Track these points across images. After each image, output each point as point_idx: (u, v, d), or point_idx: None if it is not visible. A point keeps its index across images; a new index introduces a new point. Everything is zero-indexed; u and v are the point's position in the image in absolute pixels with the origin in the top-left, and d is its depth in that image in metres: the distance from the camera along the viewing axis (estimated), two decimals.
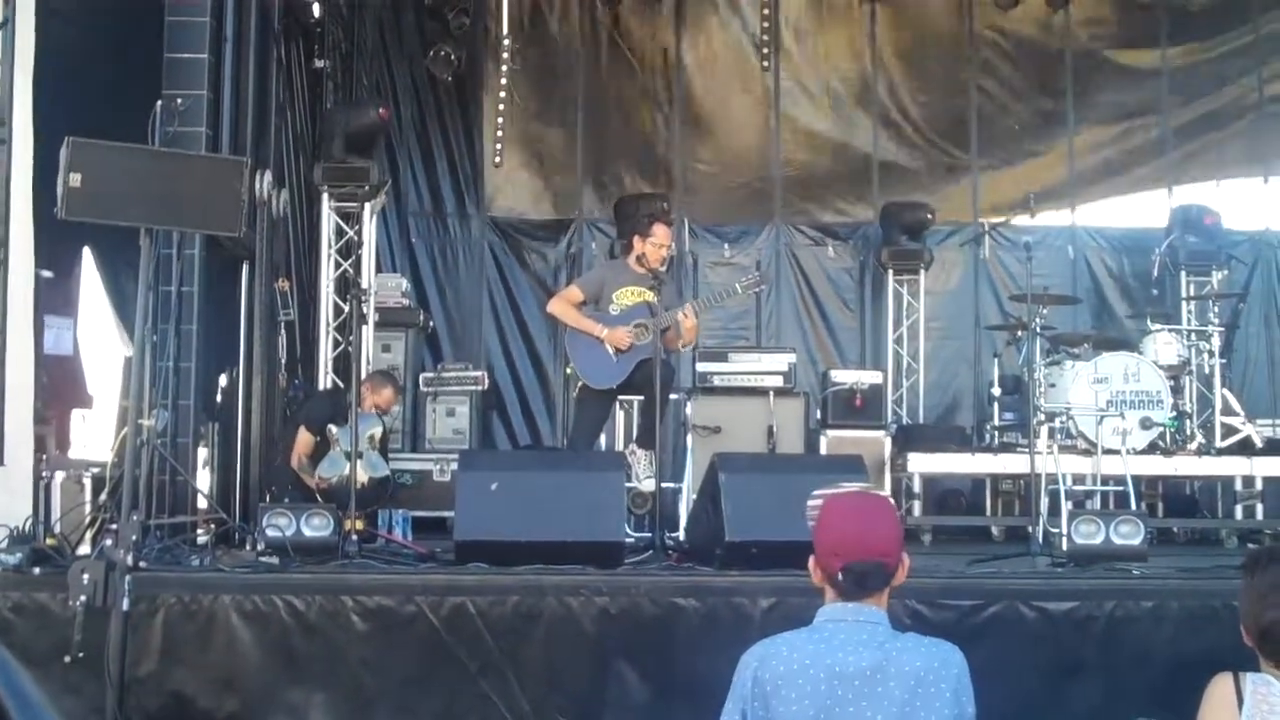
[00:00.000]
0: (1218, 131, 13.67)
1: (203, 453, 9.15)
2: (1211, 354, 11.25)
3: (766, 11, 13.18)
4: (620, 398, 9.40)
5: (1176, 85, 13.62)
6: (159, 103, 8.25)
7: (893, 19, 13.63)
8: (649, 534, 8.02)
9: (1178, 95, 13.61)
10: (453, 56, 12.84)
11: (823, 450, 10.52)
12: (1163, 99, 13.58)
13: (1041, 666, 6.60)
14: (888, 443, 10.74)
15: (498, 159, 13.29)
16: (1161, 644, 6.62)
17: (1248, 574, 4.00)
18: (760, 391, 10.50)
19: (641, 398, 9.11)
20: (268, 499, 9.40)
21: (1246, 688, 3.85)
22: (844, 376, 11.21)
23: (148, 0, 8.80)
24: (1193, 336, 11.19)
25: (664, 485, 8.43)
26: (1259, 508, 10.53)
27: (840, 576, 3.52)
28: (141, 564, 6.61)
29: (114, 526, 6.66)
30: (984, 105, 13.68)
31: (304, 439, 9.58)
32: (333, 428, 9.35)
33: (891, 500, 3.85)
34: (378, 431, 9.67)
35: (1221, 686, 3.89)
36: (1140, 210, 13.68)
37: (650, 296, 8.61)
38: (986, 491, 11.29)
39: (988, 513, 11.20)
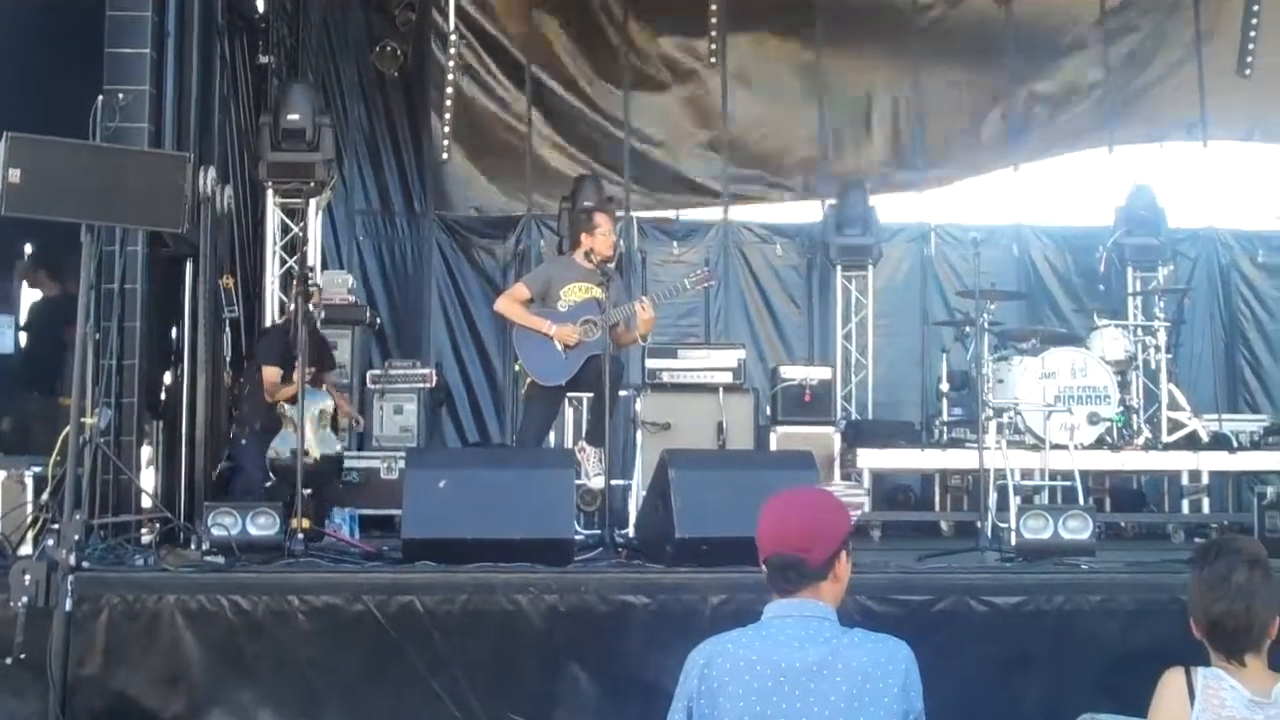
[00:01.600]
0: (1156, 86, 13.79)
1: (147, 451, 9.06)
2: (1158, 349, 11.37)
3: (715, 7, 13.16)
4: (569, 395, 9.37)
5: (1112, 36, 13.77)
6: (100, 98, 8.15)
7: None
8: (599, 531, 7.99)
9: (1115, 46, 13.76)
10: (399, 52, 12.78)
11: (772, 446, 10.50)
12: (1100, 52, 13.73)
13: (991, 661, 6.62)
14: (837, 439, 10.74)
15: (445, 155, 13.23)
16: (1110, 638, 6.65)
17: (1196, 567, 4.00)
18: (710, 388, 10.48)
19: (590, 395, 9.08)
20: (243, 433, 9.42)
21: (1198, 682, 3.85)
22: (793, 373, 11.22)
23: None
24: (1139, 332, 11.29)
25: (613, 482, 8.39)
26: (1205, 502, 10.66)
27: (765, 569, 3.52)
28: (84, 564, 6.53)
29: (56, 526, 6.57)
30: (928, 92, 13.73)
31: (270, 375, 9.51)
32: (285, 406, 9.26)
33: (834, 497, 3.80)
34: (328, 406, 9.58)
35: (1173, 681, 3.89)
36: (1086, 209, 13.72)
37: (599, 293, 8.58)
38: (936, 487, 11.33)
39: (937, 508, 11.24)
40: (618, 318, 8.68)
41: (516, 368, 9.28)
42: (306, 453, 8.62)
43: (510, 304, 9.01)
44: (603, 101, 13.71)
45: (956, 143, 13.86)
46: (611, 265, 9.11)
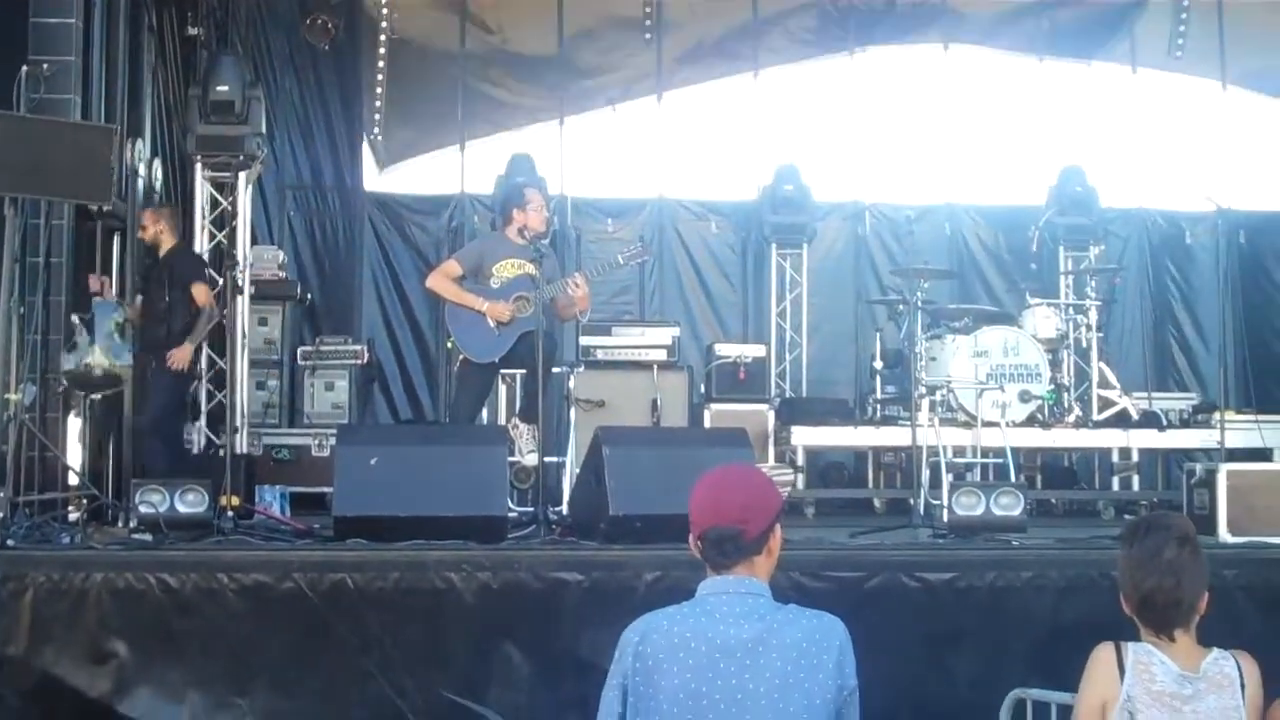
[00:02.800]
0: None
1: (75, 426, 8.94)
2: (1089, 328, 11.47)
3: None
4: (503, 371, 9.33)
5: None
6: (24, 68, 8.01)
7: None
8: (532, 509, 7.95)
9: None
10: (330, 25, 12.61)
11: (706, 424, 10.48)
12: None
13: (923, 637, 6.67)
14: (771, 416, 10.74)
15: (377, 130, 13.11)
16: (1041, 613, 6.71)
17: (1126, 544, 4.03)
18: (644, 365, 10.51)
19: (524, 372, 9.05)
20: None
21: (1128, 657, 3.88)
22: (728, 350, 11.25)
23: None
24: (1070, 311, 11.35)
25: (547, 460, 8.36)
26: (1135, 479, 10.76)
27: (701, 544, 3.51)
28: (9, 542, 6.47)
29: None
30: None
31: (202, 291, 9.37)
32: (75, 317, 8.87)
33: (764, 473, 3.81)
34: (121, 318, 9.14)
35: (1103, 655, 3.92)
36: (1019, 188, 13.79)
37: (532, 269, 8.55)
38: (869, 464, 11.37)
39: (870, 485, 11.29)
40: (551, 294, 8.64)
41: (449, 345, 9.22)
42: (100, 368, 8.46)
43: (442, 280, 8.94)
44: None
45: None
46: (545, 241, 9.07)
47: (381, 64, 12.99)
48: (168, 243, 9.38)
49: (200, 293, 9.31)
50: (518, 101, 13.68)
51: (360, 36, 13.22)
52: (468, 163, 13.39)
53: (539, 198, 9.11)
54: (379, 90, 13.06)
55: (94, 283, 9.12)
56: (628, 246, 9.45)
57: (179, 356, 9.09)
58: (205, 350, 10.33)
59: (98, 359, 8.46)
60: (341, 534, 7.05)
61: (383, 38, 12.91)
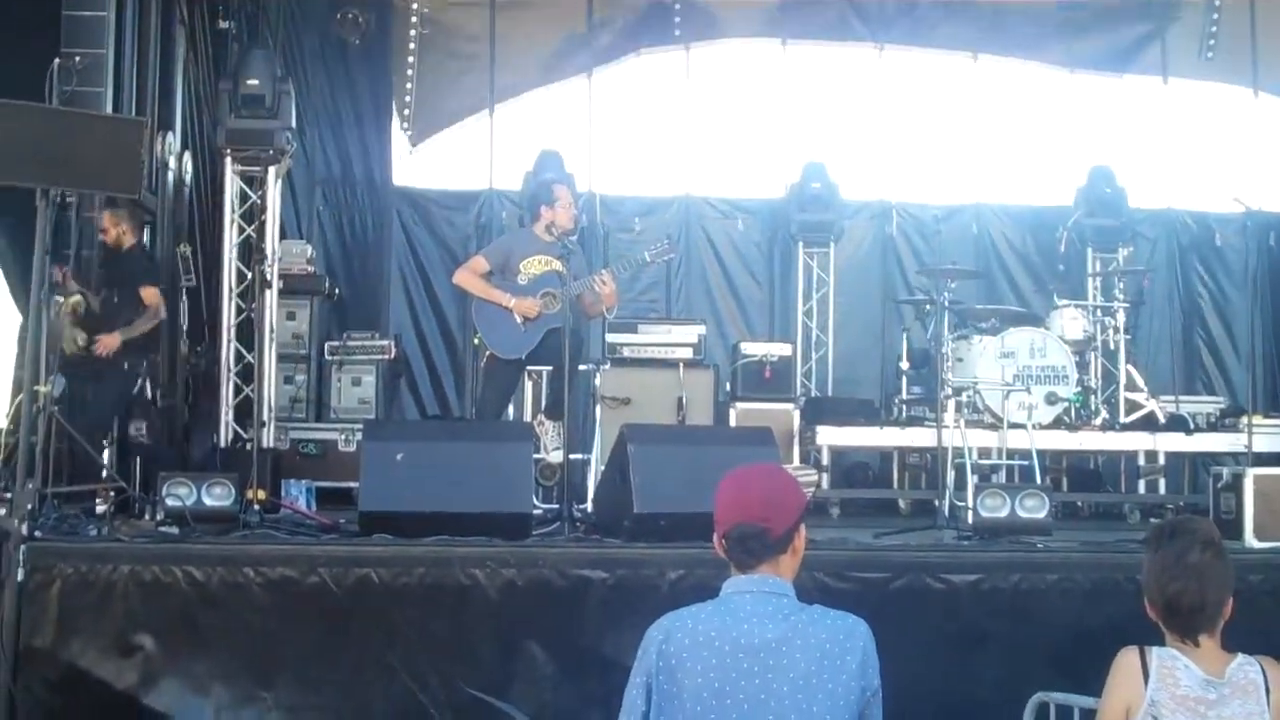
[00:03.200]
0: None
1: None
2: (1117, 330, 11.39)
3: None
4: (529, 368, 9.34)
5: None
6: (56, 61, 8.06)
7: None
8: (557, 506, 7.96)
9: None
10: (360, 19, 12.65)
11: (732, 422, 10.49)
12: None
13: (947, 639, 6.65)
14: (796, 415, 10.74)
15: (406, 125, 13.14)
16: (1066, 617, 6.69)
17: (1151, 548, 4.01)
18: (670, 363, 10.52)
19: (550, 369, 9.06)
20: None
21: (1152, 662, 3.86)
22: (754, 349, 11.23)
23: None
24: (1098, 313, 11.30)
25: (572, 457, 8.36)
26: (1161, 482, 10.71)
27: (725, 542, 3.51)
28: (37, 534, 6.49)
29: (8, 495, 6.51)
30: None
31: (151, 293, 9.27)
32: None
33: (788, 472, 3.82)
34: (77, 302, 9.02)
35: (1128, 660, 3.91)
36: (1046, 188, 13.76)
37: (559, 266, 8.57)
38: (894, 465, 11.36)
39: (895, 485, 11.27)
40: (578, 290, 8.65)
41: (475, 340, 9.25)
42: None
43: (469, 276, 8.98)
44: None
45: None
46: (573, 238, 9.08)
47: (412, 58, 12.99)
48: (128, 243, 9.31)
49: (149, 294, 9.19)
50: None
51: (391, 30, 13.23)
52: (496, 156, 13.40)
53: (568, 194, 9.14)
54: (410, 73, 13.04)
55: (56, 273, 9.13)
56: (654, 244, 9.44)
57: (106, 342, 8.95)
58: (233, 344, 10.39)
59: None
60: (367, 529, 7.07)
61: (413, 31, 12.91)
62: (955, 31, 13.76)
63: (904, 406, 11.30)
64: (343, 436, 10.58)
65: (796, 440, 10.54)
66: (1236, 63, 13.65)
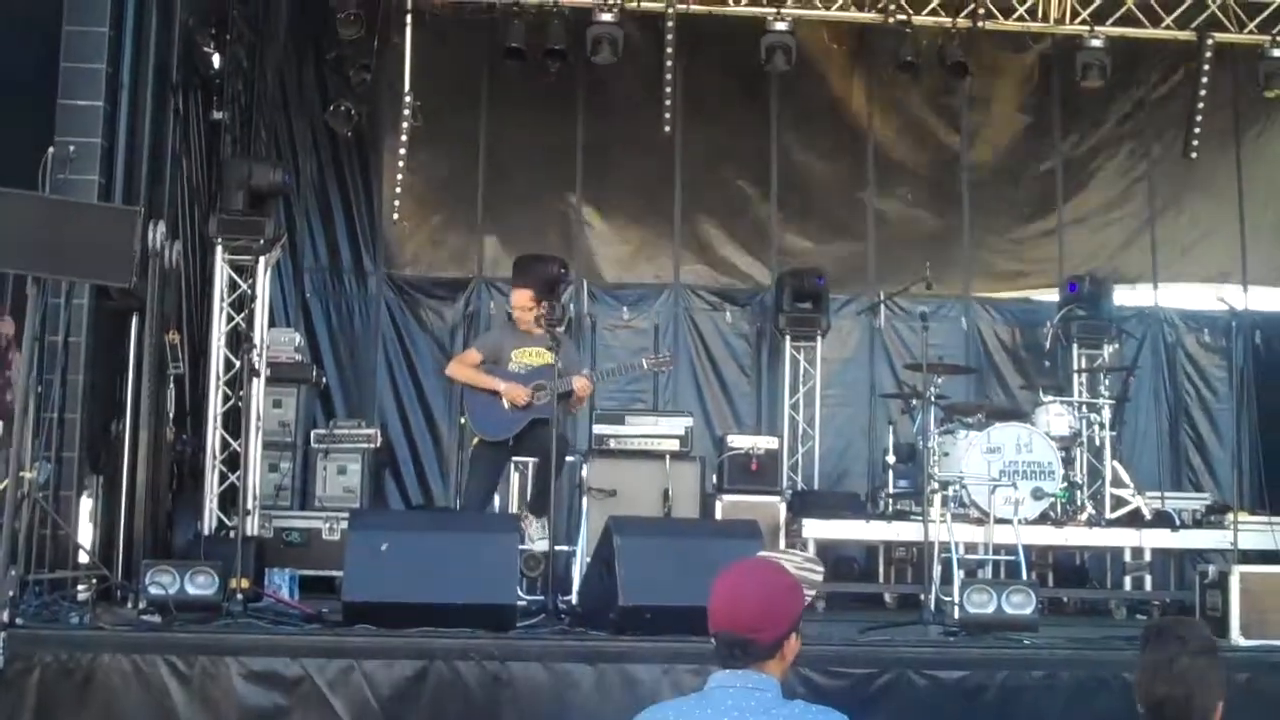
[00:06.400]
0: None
1: (86, 506, 8.94)
2: (1102, 426, 11.44)
3: (670, 77, 13.23)
4: (514, 459, 9.36)
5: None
6: (50, 149, 8.11)
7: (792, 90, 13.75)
8: (542, 597, 7.93)
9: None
10: (353, 112, 12.76)
11: (718, 515, 10.46)
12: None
13: None
14: (783, 508, 10.72)
15: (396, 215, 13.21)
16: (1052, 714, 6.67)
17: (1142, 648, 4.00)
18: (657, 455, 10.50)
19: (535, 460, 9.08)
20: None
21: None
22: (740, 441, 11.23)
23: (41, 45, 8.66)
24: (1084, 408, 11.36)
25: (557, 548, 8.36)
26: (1147, 579, 10.69)
27: (714, 640, 3.49)
28: (18, 621, 6.45)
29: None
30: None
31: None
32: None
33: (790, 575, 3.74)
34: None
35: None
36: (1033, 283, 13.86)
37: (551, 358, 8.62)
38: (880, 559, 11.32)
39: (881, 580, 11.22)
40: (565, 388, 8.72)
41: (462, 421, 9.28)
42: None
43: (461, 368, 9.09)
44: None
45: None
46: (561, 329, 9.15)
47: (403, 151, 13.09)
48: None
49: None
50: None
51: (382, 123, 13.34)
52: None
53: (517, 297, 9.33)
54: (399, 177, 13.15)
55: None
56: (653, 354, 9.52)
57: None
58: (219, 432, 10.37)
59: None
60: (350, 619, 7.05)
61: (405, 125, 13.03)
62: None
63: (890, 500, 11.30)
64: (327, 525, 10.52)
65: (783, 533, 10.52)
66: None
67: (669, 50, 13.16)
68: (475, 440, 8.97)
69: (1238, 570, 8.08)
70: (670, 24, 13.06)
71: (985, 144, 14.02)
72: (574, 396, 8.94)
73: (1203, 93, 13.37)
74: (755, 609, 3.49)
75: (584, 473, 10.27)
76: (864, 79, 13.92)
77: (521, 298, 9.30)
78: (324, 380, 12.50)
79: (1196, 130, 13.48)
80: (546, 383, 8.60)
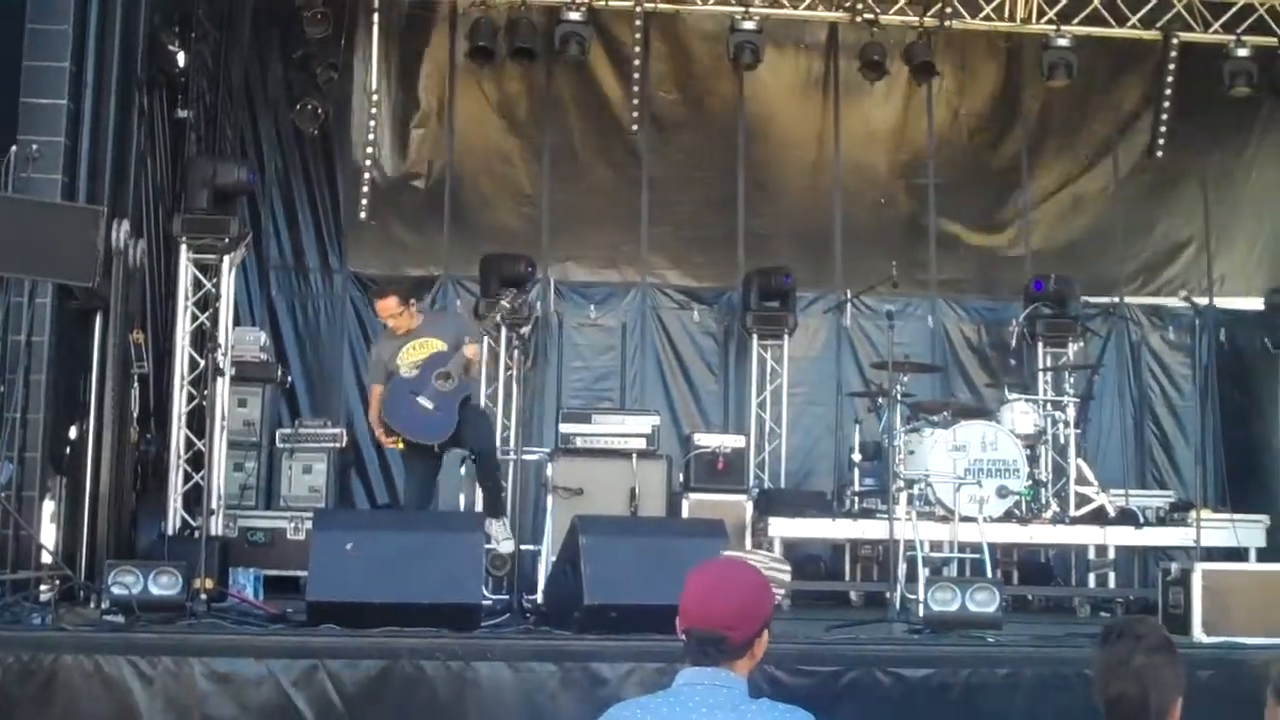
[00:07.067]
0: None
1: (49, 506, 8.89)
2: (1067, 424, 11.48)
3: (638, 76, 13.25)
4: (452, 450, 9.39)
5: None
6: (13, 148, 8.06)
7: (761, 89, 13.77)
8: (507, 596, 7.93)
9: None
10: (319, 110, 12.74)
11: (685, 514, 10.46)
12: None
13: None
14: (749, 507, 10.73)
15: (363, 213, 13.16)
16: (1016, 711, 6.70)
17: (1098, 646, 4.02)
18: (623, 454, 10.50)
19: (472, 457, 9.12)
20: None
21: None
22: (707, 440, 11.24)
23: (3, 43, 8.61)
24: (1049, 406, 11.40)
25: (523, 547, 8.35)
26: (1111, 576, 10.75)
27: (685, 638, 3.50)
28: None
29: None
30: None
31: None
32: None
33: (760, 575, 3.76)
34: None
35: None
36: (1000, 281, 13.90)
37: (436, 343, 8.67)
38: (846, 557, 11.35)
39: (847, 578, 11.24)
40: (463, 361, 8.89)
41: (400, 446, 9.25)
42: None
43: (373, 408, 9.18)
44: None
45: None
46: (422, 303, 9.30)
47: (370, 149, 13.06)
48: None
49: None
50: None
51: (348, 121, 13.30)
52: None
53: (384, 309, 9.27)
54: (366, 175, 13.12)
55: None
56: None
57: None
58: (184, 431, 10.32)
59: None
60: (314, 619, 7.03)
61: (371, 123, 13.00)
62: None
63: (857, 498, 11.32)
64: (292, 525, 10.50)
65: (749, 532, 10.54)
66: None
67: (637, 50, 13.22)
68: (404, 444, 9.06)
69: (1200, 568, 8.12)
70: (639, 23, 13.11)
71: (951, 145, 14.04)
72: (472, 366, 9.04)
73: (1168, 92, 13.49)
74: (730, 607, 3.50)
75: (549, 471, 10.27)
76: (832, 78, 13.92)
77: (385, 308, 9.25)
78: (289, 379, 12.45)
79: (1163, 130, 13.60)
80: (446, 370, 8.66)
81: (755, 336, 13.00)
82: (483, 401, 11.21)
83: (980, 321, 13.79)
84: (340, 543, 7.33)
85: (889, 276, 11.83)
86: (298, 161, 13.37)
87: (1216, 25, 13.12)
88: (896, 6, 13.07)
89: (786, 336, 13.00)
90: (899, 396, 10.37)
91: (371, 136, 13.05)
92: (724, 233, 13.76)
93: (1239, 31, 13.00)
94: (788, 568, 9.76)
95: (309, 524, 9.30)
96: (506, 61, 13.13)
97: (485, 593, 7.98)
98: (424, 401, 8.77)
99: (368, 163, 13.09)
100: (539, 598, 8.39)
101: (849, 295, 13.10)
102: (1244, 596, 8.01)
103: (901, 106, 13.98)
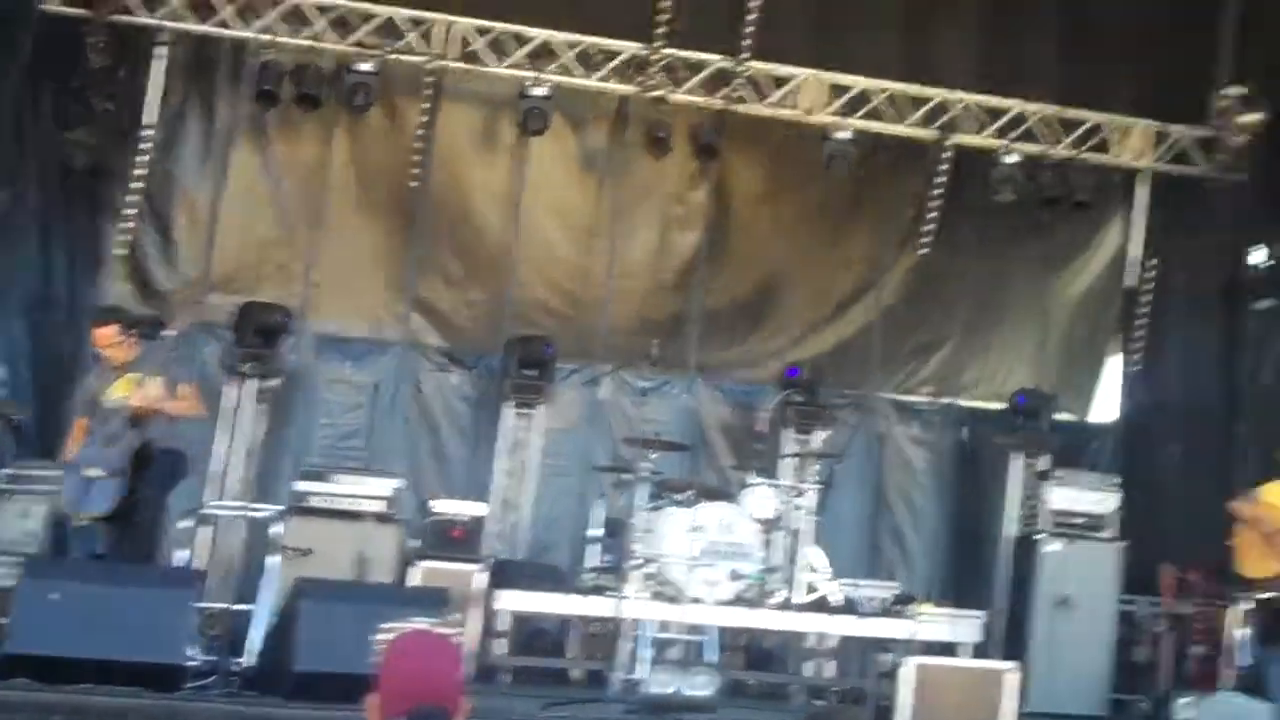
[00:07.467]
0: None
1: None
2: (808, 512, 11.69)
3: (422, 132, 13.24)
4: None
5: None
6: None
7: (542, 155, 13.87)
8: (216, 658, 7.78)
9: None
10: (91, 142, 12.41)
11: (414, 581, 10.28)
12: None
13: None
14: (484, 577, 10.64)
15: (122, 250, 12.82)
16: None
17: None
18: (357, 516, 10.37)
19: None
20: None
21: None
22: (445, 507, 11.13)
23: None
24: (789, 492, 11.59)
25: (240, 608, 8.20)
26: (832, 665, 10.93)
27: None
28: None
29: None
30: None
31: None
32: None
33: (457, 640, 3.73)
34: None
35: None
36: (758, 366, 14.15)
37: (136, 379, 8.53)
38: (573, 633, 11.33)
39: (571, 654, 11.24)
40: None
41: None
42: None
43: (71, 443, 9.05)
44: None
45: None
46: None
47: (139, 185, 12.76)
48: None
49: None
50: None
51: (121, 156, 12.87)
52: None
53: (104, 336, 9.16)
54: (130, 211, 12.80)
55: None
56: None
57: None
58: None
59: None
60: (7, 672, 6.80)
61: (144, 159, 12.71)
62: None
63: (593, 575, 11.32)
64: (2, 571, 10.08)
65: (481, 602, 10.44)
66: None
67: (424, 107, 13.21)
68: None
69: (912, 661, 8.34)
70: (429, 78, 13.10)
71: (724, 229, 14.28)
72: (158, 410, 8.77)
73: (936, 192, 13.91)
74: (453, 678, 3.47)
75: (278, 530, 10.04)
76: (610, 151, 14.06)
77: (103, 336, 9.14)
78: (19, 419, 11.95)
79: (931, 230, 14.01)
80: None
81: (511, 404, 12.97)
82: (218, 453, 11.01)
83: (735, 403, 13.97)
84: (46, 593, 7.12)
85: (648, 354, 11.93)
86: (60, 193, 12.93)
87: (991, 130, 13.60)
88: (688, 85, 13.28)
89: (542, 406, 13.00)
90: (646, 474, 10.45)
91: (142, 172, 12.76)
92: (491, 298, 13.77)
93: (1011, 138, 13.50)
94: (460, 620, 9.69)
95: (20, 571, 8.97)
96: (291, 107, 12.99)
97: (196, 653, 7.79)
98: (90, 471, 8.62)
99: (136, 198, 12.79)
100: (248, 660, 8.22)
101: (609, 370, 13.19)
102: (952, 693, 8.25)
103: (683, 186, 14.19)
